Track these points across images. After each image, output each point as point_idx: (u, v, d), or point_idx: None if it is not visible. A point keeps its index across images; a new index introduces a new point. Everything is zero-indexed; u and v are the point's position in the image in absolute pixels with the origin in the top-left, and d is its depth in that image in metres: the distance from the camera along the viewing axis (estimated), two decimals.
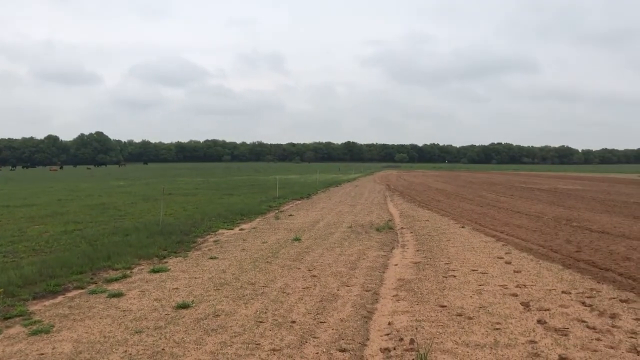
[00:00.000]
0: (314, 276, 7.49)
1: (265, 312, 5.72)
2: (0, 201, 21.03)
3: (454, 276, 7.48)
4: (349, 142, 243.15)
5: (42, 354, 4.50)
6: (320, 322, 5.38)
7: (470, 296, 6.39)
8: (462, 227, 12.84)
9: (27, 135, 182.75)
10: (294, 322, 5.38)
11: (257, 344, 4.73)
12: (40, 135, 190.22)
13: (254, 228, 12.78)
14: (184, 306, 5.94)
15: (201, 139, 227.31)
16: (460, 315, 5.62)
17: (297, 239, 10.76)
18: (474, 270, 7.84)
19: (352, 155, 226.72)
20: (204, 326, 5.26)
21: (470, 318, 5.50)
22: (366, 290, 6.69)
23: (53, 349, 4.63)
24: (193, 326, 5.26)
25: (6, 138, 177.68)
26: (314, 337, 4.91)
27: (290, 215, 15.72)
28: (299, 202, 20.82)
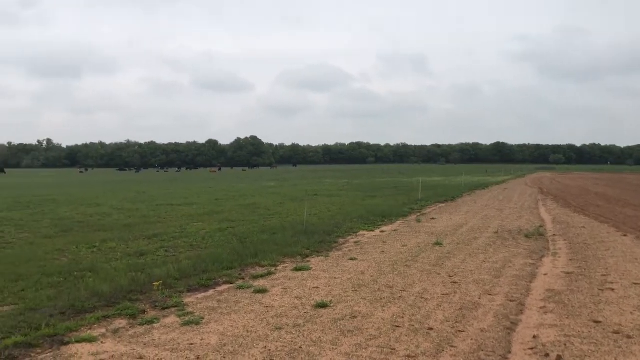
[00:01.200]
0: (455, 282, 7.24)
1: (402, 317, 5.65)
2: (166, 200, 23.17)
3: (612, 289, 6.79)
4: (498, 142, 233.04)
5: (192, 344, 4.85)
6: (459, 330, 5.18)
7: (631, 312, 5.75)
8: (624, 235, 11.65)
9: (191, 140, 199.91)
10: (431, 328, 5.24)
11: (392, 349, 4.67)
12: (201, 139, 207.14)
13: (394, 230, 12.71)
14: (322, 305, 6.06)
15: (346, 141, 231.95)
16: (617, 333, 5.08)
17: (439, 243, 10.50)
18: (636, 284, 7.06)
19: (501, 157, 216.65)
20: (341, 327, 5.32)
21: (629, 337, 4.95)
22: (510, 300, 6.32)
23: (201, 339, 4.97)
24: (330, 326, 5.34)
25: (173, 142, 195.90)
26: (452, 346, 4.73)
27: (433, 218, 15.40)
28: (443, 205, 20.34)
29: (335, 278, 7.55)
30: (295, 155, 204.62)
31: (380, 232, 12.54)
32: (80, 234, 12.47)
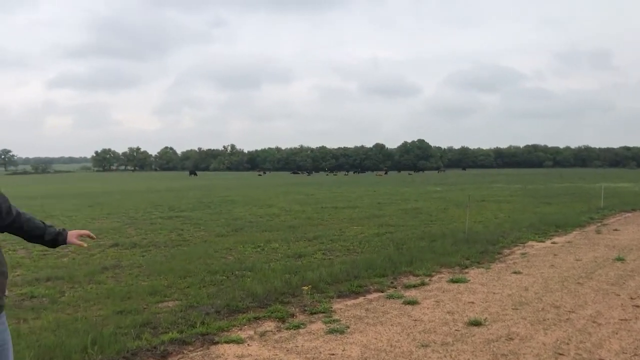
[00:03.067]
0: (637, 306, 6.25)
1: (568, 343, 4.97)
2: (331, 202, 23.74)
3: None
4: None
5: (333, 354, 4.74)
6: None
7: None
8: None
9: (358, 144, 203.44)
10: None
11: None
12: (369, 143, 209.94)
13: (568, 242, 11.51)
14: (475, 323, 5.59)
15: (521, 144, 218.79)
16: None
17: (620, 259, 9.25)
18: None
19: None
20: (494, 349, 4.83)
21: None
22: None
23: (343, 350, 4.84)
24: (482, 347, 4.88)
25: (342, 147, 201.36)
26: None
27: (616, 229, 13.70)
28: (629, 214, 18.06)
29: (494, 293, 6.97)
30: (464, 159, 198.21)
31: (552, 243, 11.43)
32: (249, 234, 13.19)
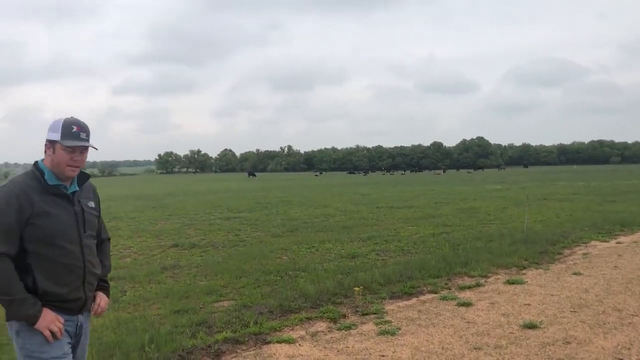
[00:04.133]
0: None
1: (629, 348, 4.78)
2: (386, 202, 23.61)
3: None
4: None
5: (383, 356, 4.74)
6: None
7: None
8: None
9: (415, 143, 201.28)
10: None
11: None
12: (426, 142, 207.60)
13: (634, 242, 11.00)
14: (531, 326, 5.45)
15: (585, 139, 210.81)
16: None
17: None
18: None
19: None
20: (550, 353, 4.70)
21: None
22: None
23: (393, 352, 4.83)
24: (537, 351, 4.76)
25: (399, 146, 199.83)
26: None
27: None
28: None
29: (552, 295, 6.77)
30: (526, 156, 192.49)
31: (617, 243, 10.97)
32: (304, 234, 13.32)
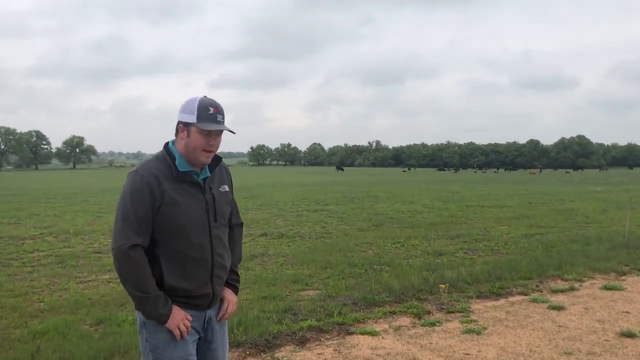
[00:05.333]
0: None
1: None
2: (477, 201, 22.97)
3: None
4: None
5: (467, 354, 4.66)
6: None
7: None
8: None
9: (510, 140, 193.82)
10: None
11: None
12: (522, 139, 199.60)
13: None
14: (629, 334, 5.15)
15: None
16: None
17: None
18: None
19: None
20: None
21: None
22: None
23: (478, 351, 4.74)
24: None
25: (492, 143, 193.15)
26: None
27: None
28: None
29: None
30: (631, 156, 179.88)
31: None
32: (390, 229, 13.27)
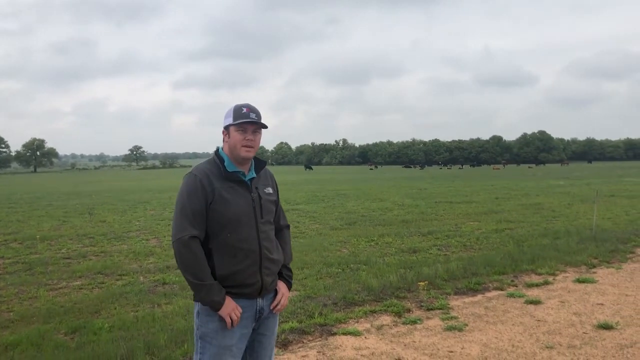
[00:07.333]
0: None
1: None
2: (445, 197, 23.23)
3: None
4: None
5: (451, 352, 4.67)
6: None
7: None
8: None
9: (474, 136, 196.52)
10: None
11: None
12: (485, 135, 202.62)
13: None
14: (606, 326, 5.24)
15: None
16: None
17: None
18: None
19: None
20: (628, 355, 4.51)
21: None
22: None
23: (462, 348, 4.75)
24: (613, 352, 4.57)
25: (456, 139, 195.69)
26: None
27: None
28: None
29: (626, 295, 6.49)
30: (590, 151, 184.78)
31: None
32: (362, 228, 13.29)
